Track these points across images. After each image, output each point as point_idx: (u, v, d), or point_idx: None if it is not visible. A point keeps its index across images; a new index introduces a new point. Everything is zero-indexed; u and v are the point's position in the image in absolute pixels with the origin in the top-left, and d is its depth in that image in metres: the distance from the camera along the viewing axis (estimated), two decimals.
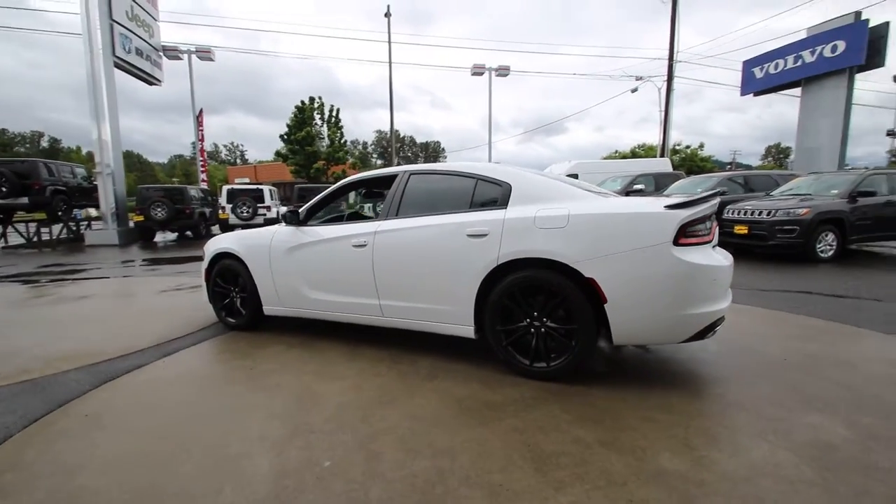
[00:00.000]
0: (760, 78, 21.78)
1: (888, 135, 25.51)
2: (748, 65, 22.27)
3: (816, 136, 19.08)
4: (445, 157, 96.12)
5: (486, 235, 2.88)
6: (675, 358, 3.17)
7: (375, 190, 4.64)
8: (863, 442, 2.07)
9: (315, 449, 2.08)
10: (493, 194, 3.06)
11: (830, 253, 7.47)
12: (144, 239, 13.82)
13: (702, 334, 2.56)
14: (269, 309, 4.02)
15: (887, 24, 17.25)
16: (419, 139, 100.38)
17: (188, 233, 14.88)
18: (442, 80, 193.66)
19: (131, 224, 14.05)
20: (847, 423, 2.24)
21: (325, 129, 31.66)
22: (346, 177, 33.23)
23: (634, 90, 25.16)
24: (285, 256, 3.80)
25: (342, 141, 31.90)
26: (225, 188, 14.10)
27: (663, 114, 23.51)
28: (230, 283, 4.24)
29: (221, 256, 4.25)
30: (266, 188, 14.23)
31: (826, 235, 7.42)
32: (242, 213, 13.63)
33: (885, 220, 7.67)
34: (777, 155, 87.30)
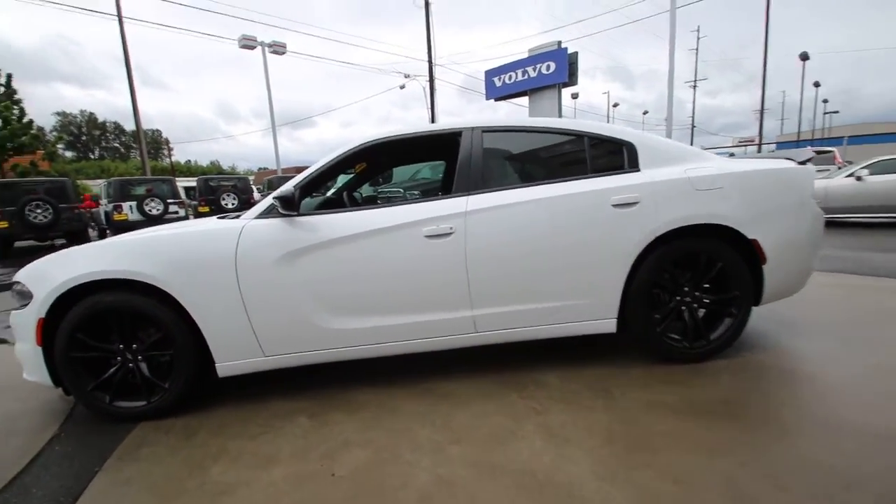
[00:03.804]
0: (500, 86, 26.15)
1: None
2: (489, 74, 26.41)
3: None
4: (173, 150, 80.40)
5: (636, 203, 2.34)
6: None
7: (403, 156, 3.25)
8: None
9: None
10: (614, 155, 2.51)
11: None
12: None
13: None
14: (229, 367, 2.31)
15: (576, 53, 23.35)
16: (129, 126, 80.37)
17: None
18: (155, 54, 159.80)
19: None
20: None
21: None
22: (36, 171, 24.05)
23: (402, 87, 26.56)
24: (276, 269, 2.23)
25: (24, 121, 22.42)
26: None
27: (430, 111, 25.75)
28: (115, 339, 2.25)
29: (86, 291, 2.19)
30: None
31: None
32: None
33: None
34: None
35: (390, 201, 3.38)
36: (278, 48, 18.40)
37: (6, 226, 8.97)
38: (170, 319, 2.20)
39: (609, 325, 2.44)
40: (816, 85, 44.02)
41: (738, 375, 2.35)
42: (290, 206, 2.24)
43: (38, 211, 9.19)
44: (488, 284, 2.33)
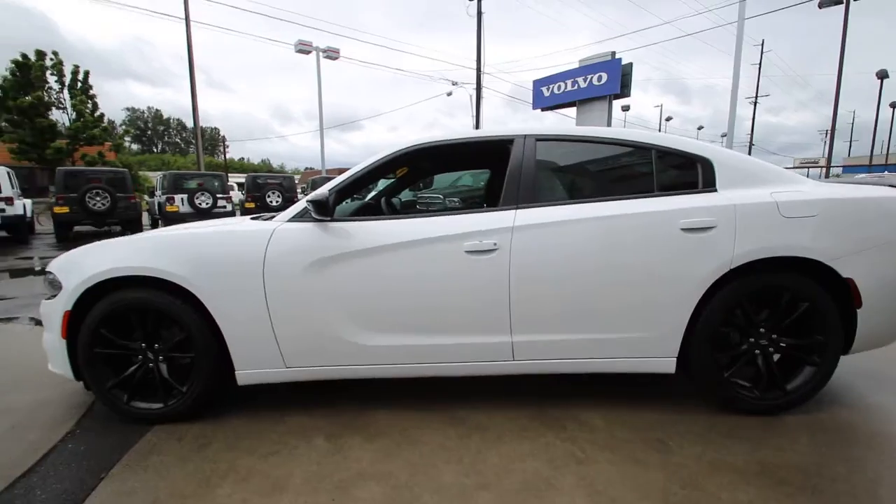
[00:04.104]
0: (547, 96, 25.70)
1: None
2: (538, 84, 26.02)
3: None
4: (228, 147, 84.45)
5: (711, 228, 2.04)
6: None
7: (448, 162, 3.12)
8: None
9: None
10: (686, 172, 2.23)
11: None
12: None
13: None
14: (249, 375, 2.19)
15: (631, 64, 22.61)
16: (190, 123, 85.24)
17: None
18: (220, 58, 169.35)
19: None
20: None
21: (66, 97, 23.40)
22: (102, 161, 25.78)
23: (449, 94, 26.63)
24: (304, 277, 2.09)
25: (96, 114, 24.13)
26: None
27: (475, 119, 25.66)
28: (137, 337, 2.17)
29: (113, 287, 2.13)
30: (1, 169, 9.13)
31: None
32: None
33: None
34: None
35: (429, 208, 3.21)
36: (332, 53, 18.86)
37: (67, 210, 9.53)
38: (192, 321, 2.11)
39: (667, 364, 2.15)
40: (894, 105, 40.77)
41: (819, 437, 2.00)
42: (323, 210, 2.09)
43: (98, 199, 9.71)
44: (532, 308, 2.10)
